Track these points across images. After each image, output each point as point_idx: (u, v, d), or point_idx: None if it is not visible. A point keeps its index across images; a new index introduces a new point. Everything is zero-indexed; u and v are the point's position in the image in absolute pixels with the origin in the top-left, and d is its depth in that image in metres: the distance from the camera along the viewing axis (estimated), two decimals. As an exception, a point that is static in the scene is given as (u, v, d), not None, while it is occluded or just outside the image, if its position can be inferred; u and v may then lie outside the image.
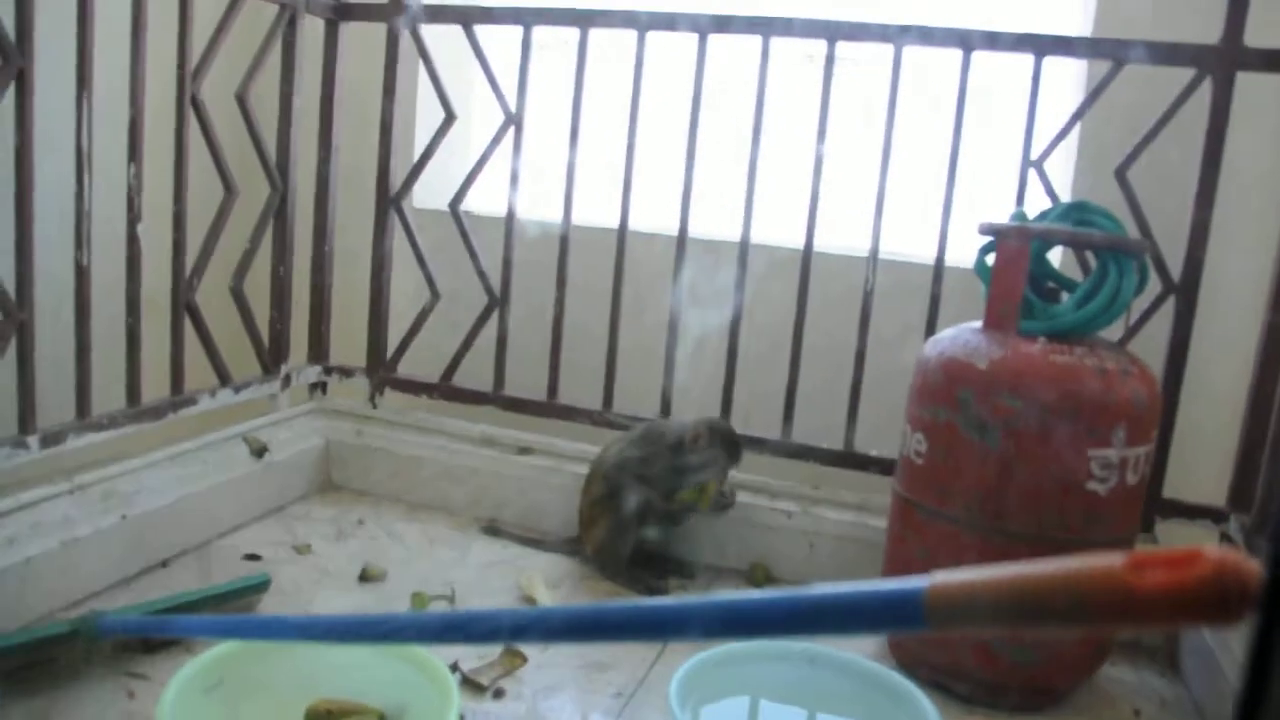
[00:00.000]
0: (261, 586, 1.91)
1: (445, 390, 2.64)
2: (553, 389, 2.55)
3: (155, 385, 2.20)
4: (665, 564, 2.27)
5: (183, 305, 2.25)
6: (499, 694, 1.71)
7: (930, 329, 2.23)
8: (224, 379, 2.39)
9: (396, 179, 2.63)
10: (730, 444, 2.17)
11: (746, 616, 0.73)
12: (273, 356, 2.58)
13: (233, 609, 1.87)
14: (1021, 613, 0.60)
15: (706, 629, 0.76)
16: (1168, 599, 0.53)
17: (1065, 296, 1.89)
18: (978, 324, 1.88)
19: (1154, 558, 0.56)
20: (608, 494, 2.21)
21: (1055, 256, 2.39)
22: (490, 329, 2.57)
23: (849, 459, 2.34)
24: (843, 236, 2.71)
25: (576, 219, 2.51)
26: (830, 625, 0.69)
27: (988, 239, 1.94)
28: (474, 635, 0.97)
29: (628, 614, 0.83)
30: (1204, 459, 2.29)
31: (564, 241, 2.48)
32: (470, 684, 1.72)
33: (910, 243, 2.66)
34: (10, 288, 1.84)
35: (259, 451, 2.39)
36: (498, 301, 2.55)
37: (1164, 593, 0.54)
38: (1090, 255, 1.93)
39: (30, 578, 1.78)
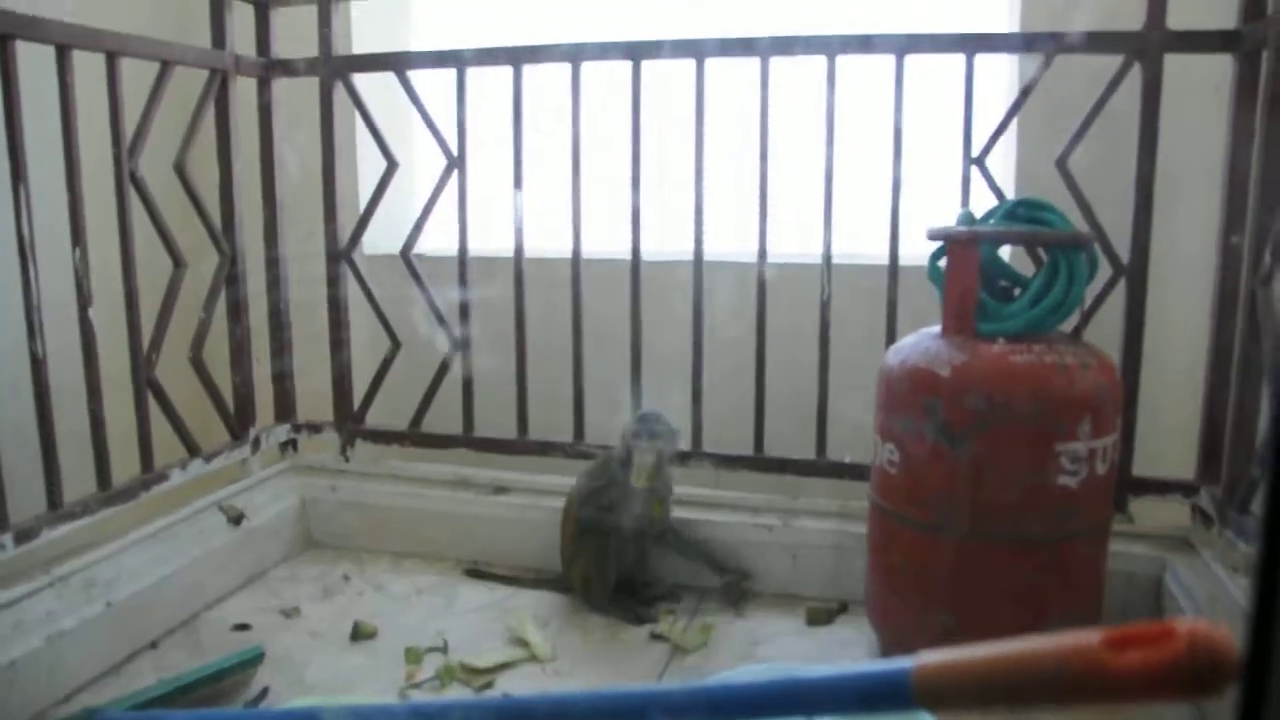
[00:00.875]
0: (255, 660, 1.91)
1: (415, 437, 2.65)
2: (523, 425, 2.56)
3: (124, 465, 2.19)
4: (651, 590, 2.29)
5: (144, 383, 2.24)
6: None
7: (890, 336, 2.26)
8: (193, 450, 2.38)
9: (344, 231, 2.63)
10: (653, 426, 2.20)
11: (728, 704, 0.74)
12: (240, 421, 2.57)
13: (229, 685, 1.87)
14: (1005, 693, 0.62)
15: (696, 714, 0.77)
16: (1145, 678, 0.55)
17: (1019, 292, 1.92)
18: (936, 329, 1.91)
19: (1129, 635, 0.58)
20: (580, 530, 2.25)
21: (1005, 251, 2.42)
22: (455, 371, 2.58)
23: (823, 468, 2.37)
24: (797, 244, 2.73)
25: (530, 250, 2.52)
26: (820, 708, 0.71)
27: (939, 244, 1.96)
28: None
29: (615, 702, 0.85)
30: (1170, 434, 2.33)
31: (519, 276, 2.49)
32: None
33: (869, 244, 2.69)
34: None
35: (236, 519, 2.39)
36: (458, 345, 2.56)
37: (1141, 672, 0.55)
38: (1040, 250, 1.95)
39: (16, 679, 1.77)
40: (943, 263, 1.94)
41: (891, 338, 2.25)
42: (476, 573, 2.35)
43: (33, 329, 1.94)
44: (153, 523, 2.25)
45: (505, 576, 2.34)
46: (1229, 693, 0.54)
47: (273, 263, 2.65)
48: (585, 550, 2.23)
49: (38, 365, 1.96)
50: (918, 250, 2.18)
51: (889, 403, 1.88)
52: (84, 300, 2.07)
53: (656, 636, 2.12)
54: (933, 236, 1.93)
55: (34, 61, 1.97)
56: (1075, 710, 0.58)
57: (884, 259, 2.29)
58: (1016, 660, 0.62)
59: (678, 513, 2.32)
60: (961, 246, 1.85)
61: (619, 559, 2.23)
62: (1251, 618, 0.46)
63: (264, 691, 1.90)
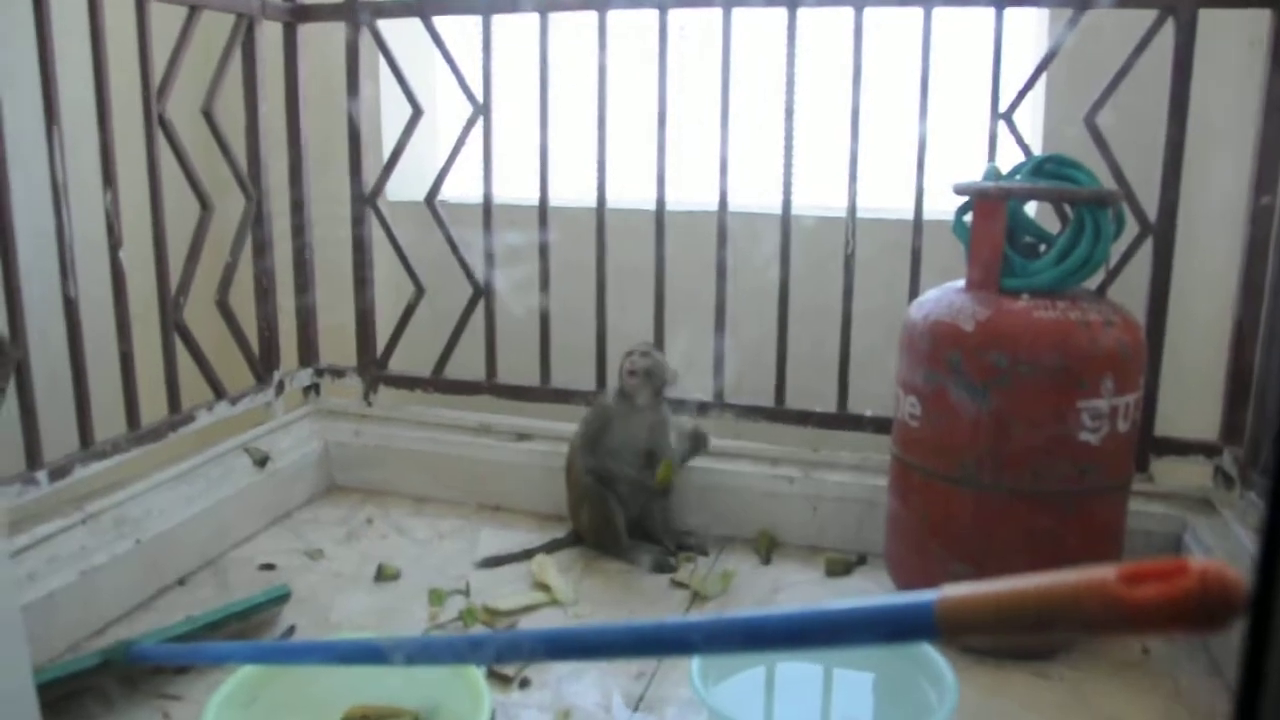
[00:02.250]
0: (282, 598, 1.97)
1: (438, 383, 2.69)
2: (545, 373, 2.60)
3: (152, 406, 2.25)
4: (673, 538, 2.34)
5: (173, 325, 2.29)
6: (525, 684, 1.79)
7: (914, 290, 2.28)
8: (219, 393, 2.43)
9: (369, 176, 2.67)
10: (650, 360, 2.25)
11: (763, 633, 0.79)
12: (264, 364, 2.62)
13: (256, 623, 1.93)
14: (1024, 623, 0.66)
15: (724, 645, 0.82)
16: (1158, 611, 0.59)
17: (1044, 249, 1.94)
18: (960, 284, 1.93)
19: (1143, 570, 0.62)
20: (580, 478, 2.30)
21: (1031, 207, 2.43)
22: (479, 318, 2.62)
23: (844, 421, 2.40)
24: (823, 197, 2.75)
25: (554, 199, 2.54)
26: (846, 640, 0.75)
27: (964, 199, 1.99)
28: (489, 657, 1.03)
29: (640, 633, 0.89)
30: (1193, 395, 2.36)
31: (543, 224, 2.53)
32: (496, 676, 1.79)
33: (894, 198, 2.70)
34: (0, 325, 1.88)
35: (261, 461, 2.44)
36: (482, 291, 2.60)
37: (1154, 605, 0.60)
38: (1067, 208, 1.97)
39: (54, 610, 1.84)
40: (969, 218, 1.96)
41: (915, 292, 2.27)
42: (492, 561, 2.29)
43: (65, 270, 1.99)
44: (180, 463, 2.31)
45: (523, 552, 2.32)
46: (1236, 627, 0.58)
47: (297, 207, 2.68)
48: (586, 498, 2.29)
49: (70, 306, 2.01)
50: (943, 205, 2.20)
51: (911, 356, 1.91)
52: (115, 242, 2.11)
53: (677, 584, 2.17)
54: (960, 191, 1.95)
55: (66, 6, 2.00)
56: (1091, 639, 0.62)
57: (909, 213, 2.31)
58: (1035, 593, 0.66)
59: (694, 462, 2.37)
60: (989, 201, 1.87)
61: (626, 504, 2.28)
62: (1259, 552, 0.50)
63: (290, 629, 1.96)
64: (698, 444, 2.35)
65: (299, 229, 2.70)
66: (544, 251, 2.53)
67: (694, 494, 2.39)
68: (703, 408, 2.45)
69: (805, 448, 2.44)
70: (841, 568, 2.23)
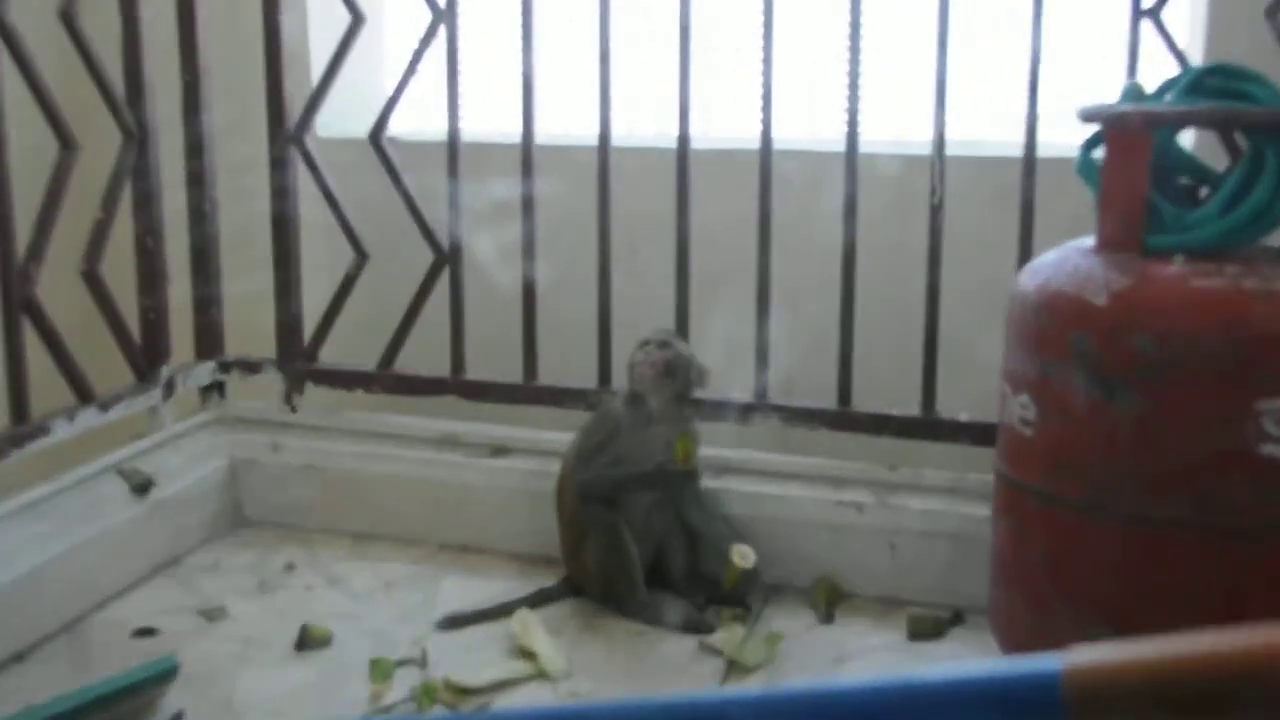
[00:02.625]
0: (166, 676, 1.93)
1: (386, 380, 2.67)
2: (531, 366, 2.58)
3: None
4: (704, 587, 2.30)
5: (18, 304, 2.25)
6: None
7: (1025, 252, 2.25)
8: (84, 396, 2.40)
9: (293, 106, 2.64)
10: (646, 340, 2.25)
11: (826, 714, 0.76)
12: (148, 356, 2.59)
13: (126, 712, 1.89)
14: (1187, 701, 0.63)
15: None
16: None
17: (1206, 193, 1.91)
18: (1089, 242, 1.90)
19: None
20: (582, 504, 2.28)
21: (1187, 137, 2.40)
22: (442, 294, 2.60)
23: (932, 428, 2.37)
24: (904, 129, 2.71)
25: (543, 135, 2.51)
26: (946, 718, 0.72)
27: (1094, 128, 1.95)
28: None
29: (660, 714, 0.86)
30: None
31: (528, 168, 2.50)
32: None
33: (997, 129, 2.68)
34: None
35: (141, 487, 2.41)
36: (446, 258, 2.57)
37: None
38: (1239, 138, 1.94)
39: None
40: (1100, 153, 1.93)
41: (1027, 254, 2.23)
42: (456, 621, 2.26)
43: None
44: (28, 491, 2.28)
45: (499, 608, 2.29)
46: None
47: (195, 147, 2.65)
48: (590, 531, 2.26)
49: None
50: (1065, 137, 2.17)
51: (1023, 341, 1.88)
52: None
53: (707, 649, 2.14)
54: (1088, 118, 1.90)
55: None
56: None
57: (1017, 149, 2.28)
58: (1203, 659, 0.63)
59: (728, 484, 2.36)
60: (1129, 131, 1.83)
61: (643, 538, 2.26)
62: None
63: (177, 717, 1.92)
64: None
65: (197, 176, 2.66)
66: (529, 205, 2.49)
67: (729, 528, 2.35)
68: (744, 412, 2.43)
69: (880, 464, 2.41)
70: (930, 628, 2.20)
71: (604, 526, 2.25)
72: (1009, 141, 2.35)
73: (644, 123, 2.85)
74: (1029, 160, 2.28)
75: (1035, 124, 2.27)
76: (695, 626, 2.20)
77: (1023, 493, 1.91)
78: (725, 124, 2.83)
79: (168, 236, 2.60)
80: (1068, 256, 1.89)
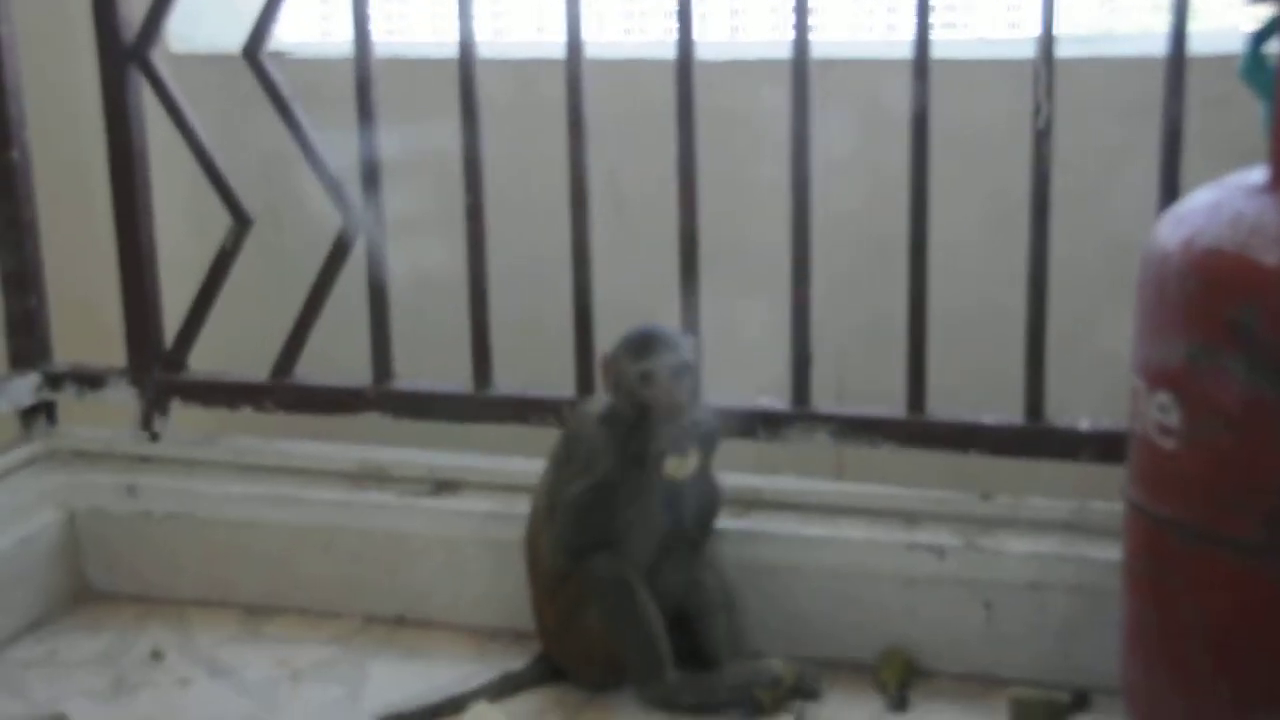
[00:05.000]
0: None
1: (284, 393, 2.68)
2: (483, 371, 2.59)
3: None
4: (747, 670, 2.31)
5: None
6: None
7: (1167, 192, 2.25)
8: None
9: (132, 10, 2.63)
10: (640, 341, 2.25)
11: None
12: (-61, 369, 2.62)
13: None
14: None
15: None
16: None
17: None
18: (1257, 178, 1.91)
19: None
20: (570, 568, 2.30)
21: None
22: (356, 272, 2.61)
23: (1039, 440, 2.39)
24: (985, 23, 2.72)
25: (490, 46, 2.53)
26: None
27: (1269, 12, 1.96)
28: None
29: None
30: None
31: (468, 91, 2.50)
32: None
33: (1122, 17, 2.67)
34: None
35: (-60, 552, 2.45)
36: (360, 222, 2.57)
37: None
38: None
39: None
40: (1276, 49, 1.95)
41: (1170, 197, 2.24)
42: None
43: None
44: None
45: (442, 705, 2.30)
46: None
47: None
48: (589, 593, 2.29)
49: None
50: (1221, 27, 2.17)
51: (1163, 319, 1.89)
52: None
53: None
54: None
55: None
56: None
57: (1155, 44, 2.26)
58: None
59: (758, 523, 2.38)
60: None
61: (664, 595, 2.30)
62: None
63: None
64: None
65: (2, 118, 2.68)
66: (473, 145, 2.51)
67: (758, 582, 2.39)
68: (778, 424, 2.45)
69: (967, 492, 2.44)
70: (1043, 715, 2.22)
71: (610, 582, 2.28)
72: (1141, 35, 2.35)
73: (622, 25, 2.83)
74: (1175, 61, 2.26)
75: (1186, 8, 2.26)
76: (753, 710, 2.24)
77: (1165, 529, 1.92)
78: (736, 26, 2.82)
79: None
80: (1227, 199, 1.90)
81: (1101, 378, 2.26)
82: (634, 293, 2.46)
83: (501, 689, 2.33)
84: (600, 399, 2.34)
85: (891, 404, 2.46)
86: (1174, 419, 1.88)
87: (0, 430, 2.75)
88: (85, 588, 2.68)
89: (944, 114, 2.38)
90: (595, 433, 2.29)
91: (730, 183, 2.57)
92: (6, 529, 2.57)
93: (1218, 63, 2.18)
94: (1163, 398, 1.89)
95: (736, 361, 2.35)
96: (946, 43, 2.38)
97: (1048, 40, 2.30)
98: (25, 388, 2.77)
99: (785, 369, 2.45)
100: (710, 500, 2.35)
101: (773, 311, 2.45)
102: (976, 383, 2.45)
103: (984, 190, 2.51)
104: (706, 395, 2.33)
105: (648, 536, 2.30)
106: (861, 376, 2.52)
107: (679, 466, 2.22)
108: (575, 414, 2.40)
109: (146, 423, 2.74)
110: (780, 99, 2.41)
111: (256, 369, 2.71)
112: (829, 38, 2.47)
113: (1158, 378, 1.91)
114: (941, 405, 2.44)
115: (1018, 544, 2.35)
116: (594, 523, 2.29)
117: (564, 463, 2.33)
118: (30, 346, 2.78)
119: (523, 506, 2.44)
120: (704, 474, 2.32)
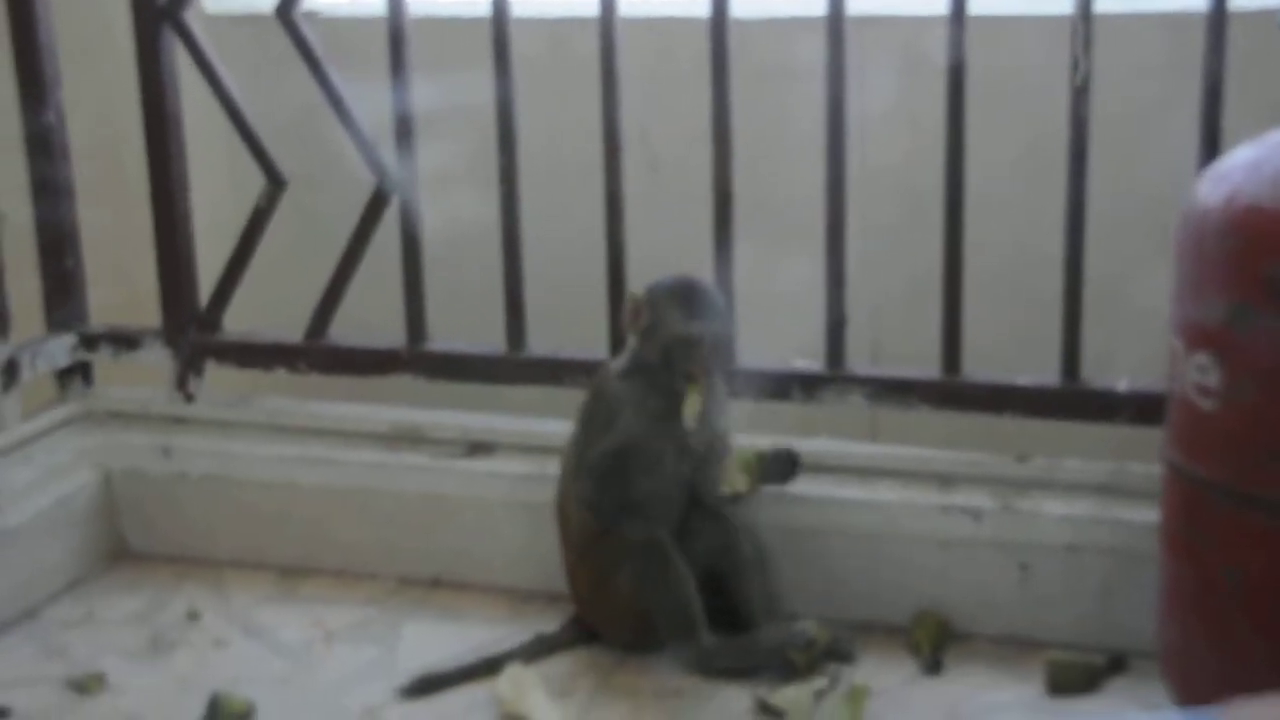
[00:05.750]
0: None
1: (318, 355, 2.68)
2: (517, 332, 2.59)
3: None
4: (779, 630, 2.32)
5: None
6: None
7: (1208, 149, 2.23)
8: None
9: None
10: (685, 295, 2.27)
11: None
12: (-21, 329, 2.62)
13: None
14: None
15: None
16: None
17: None
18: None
19: None
20: (599, 522, 2.31)
21: None
22: (390, 233, 2.61)
23: (1075, 401, 2.38)
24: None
25: (519, 6, 2.50)
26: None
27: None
28: None
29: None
30: None
31: (502, 52, 2.50)
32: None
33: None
34: None
35: (-26, 513, 2.45)
36: (394, 183, 2.58)
37: None
38: None
39: None
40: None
41: (1211, 153, 2.22)
42: (427, 683, 2.29)
43: None
44: None
45: (476, 667, 2.32)
46: None
47: (24, 25, 2.67)
48: (620, 555, 2.30)
49: None
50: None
51: (1203, 278, 1.88)
52: None
53: (767, 710, 2.18)
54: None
55: None
56: None
57: (1194, 0, 2.25)
58: None
59: (791, 485, 2.36)
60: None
61: (696, 556, 2.31)
62: None
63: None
64: (782, 471, 2.35)
65: (33, 77, 2.68)
66: (507, 106, 2.51)
67: (792, 545, 2.40)
68: (812, 385, 2.45)
69: (1003, 454, 2.43)
70: (1079, 678, 2.22)
71: (640, 545, 2.29)
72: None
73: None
74: (1216, 16, 2.23)
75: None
76: (785, 668, 2.24)
77: (1204, 491, 1.92)
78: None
79: None
80: (1267, 156, 1.89)
81: (1140, 335, 2.25)
82: (666, 252, 2.44)
83: (535, 651, 2.33)
84: (623, 357, 2.34)
85: (927, 363, 2.45)
86: (1213, 379, 1.87)
87: (37, 391, 2.75)
88: (122, 548, 2.69)
89: (981, 70, 2.36)
90: (617, 390, 2.30)
91: (764, 141, 2.56)
92: (44, 489, 2.58)
93: (1259, 17, 2.17)
94: (1202, 358, 1.89)
95: (770, 322, 2.34)
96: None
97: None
98: (62, 349, 2.78)
99: (820, 329, 2.44)
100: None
101: (807, 271, 2.43)
102: (1010, 344, 2.44)
103: (1021, 147, 2.49)
104: (741, 357, 2.34)
105: (675, 496, 2.31)
106: (897, 334, 2.52)
107: (694, 405, 2.22)
108: (598, 372, 2.40)
109: (181, 383, 2.75)
110: (816, 56, 2.39)
111: (291, 330, 2.71)
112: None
113: (1197, 338, 1.90)
114: (977, 364, 2.43)
115: (1054, 506, 2.34)
116: (618, 483, 2.29)
117: (588, 423, 2.34)
118: (67, 308, 2.79)
119: (556, 468, 2.43)
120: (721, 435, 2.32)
